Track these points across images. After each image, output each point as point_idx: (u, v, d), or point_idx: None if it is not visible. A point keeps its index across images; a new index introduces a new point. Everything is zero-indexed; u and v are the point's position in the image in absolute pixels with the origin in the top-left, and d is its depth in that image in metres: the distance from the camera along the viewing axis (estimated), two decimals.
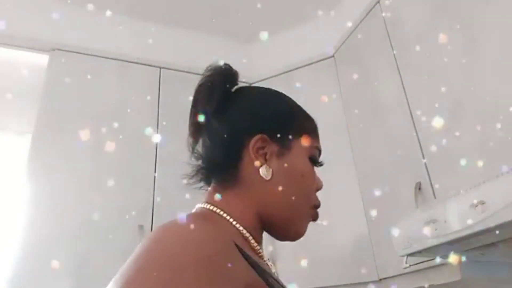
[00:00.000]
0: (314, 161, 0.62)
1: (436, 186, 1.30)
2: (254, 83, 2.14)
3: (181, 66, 2.02)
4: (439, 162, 1.31)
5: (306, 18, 2.12)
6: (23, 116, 2.06)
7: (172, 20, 2.09)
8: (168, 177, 1.74)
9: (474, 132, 1.17)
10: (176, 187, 1.91)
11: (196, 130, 0.62)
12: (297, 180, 0.58)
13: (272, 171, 0.56)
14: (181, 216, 0.47)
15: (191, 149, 0.62)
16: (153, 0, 1.97)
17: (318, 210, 0.62)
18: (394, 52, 1.57)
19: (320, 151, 0.64)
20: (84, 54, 1.84)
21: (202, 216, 0.53)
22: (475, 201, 0.94)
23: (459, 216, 0.99)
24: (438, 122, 1.32)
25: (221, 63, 0.62)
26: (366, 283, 1.57)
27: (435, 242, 1.05)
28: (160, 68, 1.98)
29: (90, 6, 1.94)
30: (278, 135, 0.58)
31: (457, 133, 1.24)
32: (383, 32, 1.64)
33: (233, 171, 0.58)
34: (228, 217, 0.54)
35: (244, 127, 0.59)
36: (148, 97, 1.89)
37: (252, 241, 0.55)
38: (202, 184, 0.62)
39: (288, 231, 0.59)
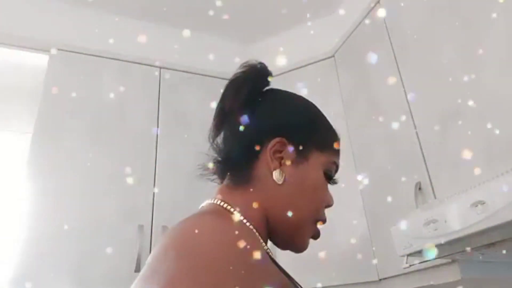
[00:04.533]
0: (329, 176, 0.61)
1: (436, 186, 1.30)
2: None
3: (181, 66, 2.02)
4: (439, 162, 1.31)
5: (306, 18, 2.12)
6: (23, 116, 2.06)
7: (172, 20, 2.09)
8: (168, 177, 1.74)
9: (474, 132, 1.17)
10: (176, 187, 1.92)
11: (219, 123, 0.63)
12: (307, 192, 0.57)
13: (285, 177, 0.56)
14: (203, 216, 0.48)
15: (211, 140, 0.62)
16: (154, 0, 1.97)
17: (322, 227, 0.61)
18: (394, 52, 1.57)
19: (337, 167, 0.62)
20: (84, 54, 1.84)
21: (220, 215, 0.52)
22: (475, 201, 0.94)
23: (459, 216, 0.99)
24: (438, 121, 1.32)
25: (257, 62, 0.63)
26: (366, 283, 1.57)
27: (435, 242, 1.05)
28: (160, 68, 1.98)
29: (91, 6, 1.94)
30: (298, 143, 0.57)
31: (457, 133, 1.24)
32: (383, 32, 1.64)
33: (248, 169, 0.57)
34: (241, 216, 0.54)
35: (266, 128, 0.58)
36: (148, 97, 1.89)
37: (262, 241, 0.54)
38: (215, 176, 0.62)
39: (290, 241, 0.58)
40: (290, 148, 0.57)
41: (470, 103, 1.20)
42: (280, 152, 0.57)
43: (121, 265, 1.51)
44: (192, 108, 1.95)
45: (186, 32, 2.15)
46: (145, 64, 1.95)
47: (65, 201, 1.55)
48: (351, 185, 1.71)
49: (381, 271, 1.54)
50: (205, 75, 2.06)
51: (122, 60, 1.91)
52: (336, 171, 0.63)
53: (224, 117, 0.62)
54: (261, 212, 0.56)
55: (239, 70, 0.62)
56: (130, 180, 1.68)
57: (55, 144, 1.63)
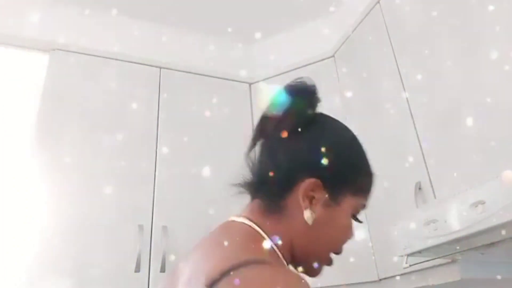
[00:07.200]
0: (355, 218, 0.62)
1: (436, 186, 1.30)
2: (254, 83, 2.14)
3: (181, 66, 2.02)
4: (439, 162, 1.31)
5: (306, 18, 2.12)
6: (23, 116, 2.06)
7: (172, 20, 2.09)
8: (168, 177, 1.74)
9: (474, 132, 1.17)
10: (176, 187, 1.91)
11: (257, 139, 0.61)
12: (334, 233, 0.59)
13: (314, 217, 0.56)
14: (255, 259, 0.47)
15: (247, 156, 0.61)
16: (154, 0, 1.97)
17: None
18: (394, 52, 1.57)
19: (365, 207, 0.63)
20: (84, 54, 1.84)
21: (260, 246, 0.53)
22: (475, 201, 0.94)
23: (459, 216, 0.99)
24: (438, 122, 1.32)
25: (310, 81, 0.60)
26: (366, 283, 1.57)
27: (435, 242, 1.05)
28: (160, 68, 1.98)
29: (90, 6, 1.94)
30: (333, 187, 0.57)
31: (457, 133, 1.24)
32: (383, 32, 1.64)
33: (280, 200, 0.57)
34: (274, 246, 0.54)
35: (306, 164, 0.57)
36: (148, 97, 1.89)
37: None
38: (246, 192, 0.61)
39: (307, 269, 0.59)
40: (324, 191, 0.56)
41: (470, 102, 1.20)
42: (313, 191, 0.56)
43: (121, 265, 1.51)
44: (192, 108, 1.95)
45: (186, 32, 2.16)
46: (145, 64, 1.95)
47: (65, 201, 1.55)
48: None
49: (381, 271, 1.54)
50: (205, 75, 2.06)
51: (122, 60, 1.91)
52: (363, 209, 0.63)
53: (264, 136, 0.60)
54: (289, 243, 0.56)
55: (290, 88, 0.59)
56: (130, 180, 1.68)
57: (55, 144, 1.63)
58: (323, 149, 0.57)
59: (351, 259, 1.61)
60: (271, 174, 0.58)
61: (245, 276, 0.43)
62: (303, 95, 0.59)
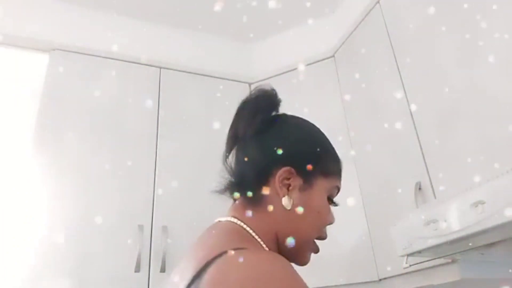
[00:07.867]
0: (331, 200, 0.68)
1: (436, 186, 1.30)
2: (254, 83, 2.14)
3: (181, 66, 2.02)
4: (439, 162, 1.31)
5: (306, 18, 2.12)
6: (23, 116, 2.06)
7: (172, 20, 2.09)
8: (168, 177, 1.74)
9: (474, 132, 1.17)
10: (176, 187, 1.91)
11: (232, 145, 0.67)
12: (313, 215, 0.63)
13: (293, 202, 0.61)
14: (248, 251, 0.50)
15: (224, 161, 0.68)
16: (154, 0, 1.97)
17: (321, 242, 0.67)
18: (394, 52, 1.57)
19: (339, 190, 0.69)
20: (84, 54, 1.84)
21: (249, 238, 0.58)
22: (475, 201, 0.94)
23: (459, 216, 0.99)
24: (438, 122, 1.32)
25: (270, 88, 0.67)
26: (366, 283, 1.57)
27: (435, 242, 1.05)
28: (160, 68, 1.98)
29: (90, 6, 1.94)
30: (304, 171, 0.63)
31: (457, 133, 1.24)
32: (383, 32, 1.64)
33: (260, 193, 0.62)
34: (257, 238, 0.59)
35: (277, 156, 0.62)
36: (148, 97, 1.89)
37: None
38: (228, 194, 0.67)
39: (293, 257, 0.62)
40: (297, 177, 0.62)
41: (470, 103, 1.20)
42: (288, 179, 0.62)
43: (121, 265, 1.51)
44: (192, 108, 1.95)
45: (186, 32, 2.16)
46: (145, 64, 1.95)
47: (65, 200, 1.55)
48: (351, 185, 1.71)
49: (381, 271, 1.54)
50: (205, 75, 2.06)
51: (122, 60, 1.91)
52: (337, 193, 0.69)
53: (237, 141, 0.66)
54: (272, 233, 0.61)
55: (253, 95, 0.66)
56: (130, 180, 1.68)
57: (55, 144, 1.63)
58: (291, 140, 0.65)
59: (351, 259, 1.61)
60: (248, 170, 0.64)
61: (227, 258, 0.47)
62: (265, 99, 0.66)
